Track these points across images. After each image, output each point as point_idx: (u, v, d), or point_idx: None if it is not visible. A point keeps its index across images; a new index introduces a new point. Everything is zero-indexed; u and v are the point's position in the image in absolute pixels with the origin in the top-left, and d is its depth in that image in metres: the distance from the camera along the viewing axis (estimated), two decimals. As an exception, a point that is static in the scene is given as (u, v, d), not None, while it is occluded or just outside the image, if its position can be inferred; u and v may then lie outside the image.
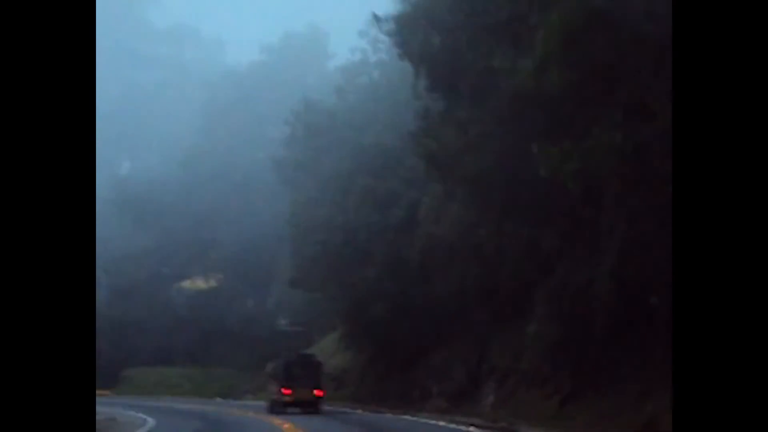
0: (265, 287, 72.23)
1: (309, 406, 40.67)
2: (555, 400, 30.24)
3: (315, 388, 41.50)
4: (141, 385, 70.22)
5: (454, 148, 29.62)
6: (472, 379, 39.04)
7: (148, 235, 74.92)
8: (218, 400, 62.16)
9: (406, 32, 32.50)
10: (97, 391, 61.12)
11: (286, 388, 41.40)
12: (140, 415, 38.94)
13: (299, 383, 41.22)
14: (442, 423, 31.78)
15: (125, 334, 73.88)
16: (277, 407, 41.73)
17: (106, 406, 39.56)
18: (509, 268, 32.71)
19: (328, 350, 56.09)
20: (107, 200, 75.62)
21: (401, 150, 38.67)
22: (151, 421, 35.35)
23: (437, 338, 42.23)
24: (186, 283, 78.43)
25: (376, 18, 36.01)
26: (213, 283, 77.14)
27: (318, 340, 60.58)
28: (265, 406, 44.24)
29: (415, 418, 35.80)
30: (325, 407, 42.04)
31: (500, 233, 31.30)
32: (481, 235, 32.61)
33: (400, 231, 40.43)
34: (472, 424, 29.96)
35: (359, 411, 42.80)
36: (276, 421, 34.36)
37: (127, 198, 73.95)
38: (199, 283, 77.85)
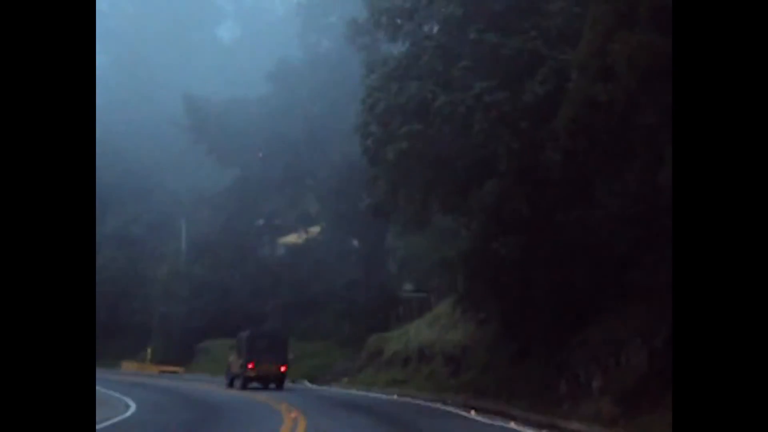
0: (379, 241, 56.46)
1: (272, 382, 40.39)
2: None
3: (280, 364, 40.57)
4: (218, 361, 56.00)
5: None
6: (657, 368, 22.36)
7: (232, 172, 60.49)
8: (306, 383, 47.10)
9: None
10: (168, 368, 46.46)
11: (250, 362, 39.97)
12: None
13: (264, 358, 39.99)
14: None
15: (206, 298, 59.82)
16: (238, 382, 40.65)
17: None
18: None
19: (445, 319, 40.21)
20: (184, 127, 61.62)
21: None
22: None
23: (603, 299, 25.64)
24: (280, 236, 63.74)
25: None
26: (311, 235, 61.93)
27: (435, 305, 44.62)
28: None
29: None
30: (426, 404, 30.18)
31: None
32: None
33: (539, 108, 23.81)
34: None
35: (472, 412, 26.85)
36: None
37: (205, 122, 59.28)
38: (295, 237, 62.88)
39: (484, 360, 34.10)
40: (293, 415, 24.66)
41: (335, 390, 41.76)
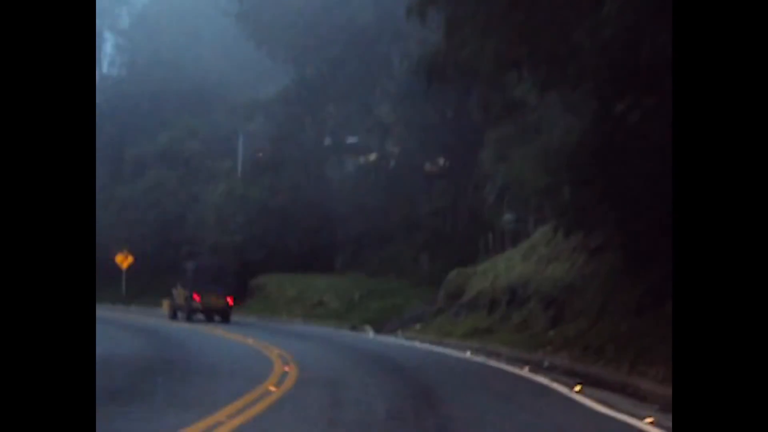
0: (470, 160, 46.10)
1: (218, 314, 40.07)
2: None
3: (226, 296, 40.29)
4: (273, 300, 46.80)
5: None
6: None
7: (286, 72, 50.24)
8: (368, 331, 37.45)
9: None
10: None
11: (197, 293, 39.84)
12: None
13: (209, 289, 39.91)
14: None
15: (264, 226, 50.40)
16: (182, 313, 40.77)
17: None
18: None
19: (544, 249, 29.98)
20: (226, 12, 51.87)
21: None
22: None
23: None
24: (351, 154, 53.56)
25: None
26: (389, 152, 51.58)
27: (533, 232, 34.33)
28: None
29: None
30: (508, 369, 21.01)
31: None
32: None
33: None
34: None
35: (577, 391, 16.56)
36: None
37: (252, 10, 48.89)
38: (369, 155, 52.60)
39: (597, 305, 23.75)
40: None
41: (393, 342, 31.94)
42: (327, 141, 52.37)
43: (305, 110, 48.47)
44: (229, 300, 40.19)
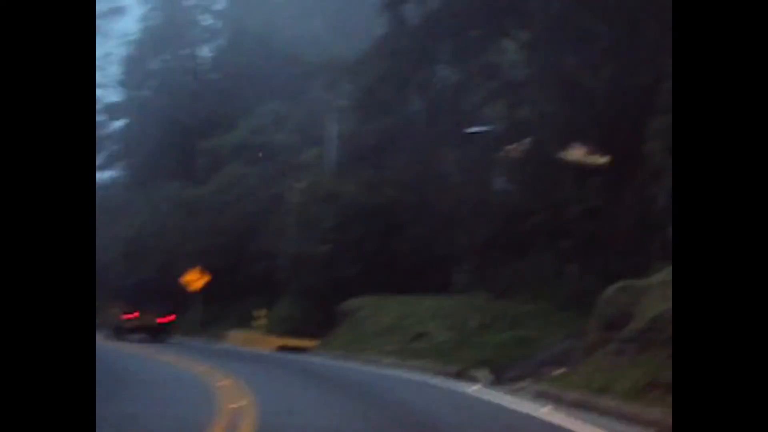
0: (634, 147, 32.96)
1: (152, 333, 38.81)
2: None
3: (162, 315, 38.85)
4: (364, 330, 34.20)
5: None
6: None
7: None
8: (479, 386, 24.49)
9: None
10: (293, 342, 35.41)
11: (131, 312, 38.82)
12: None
13: (146, 308, 38.80)
14: None
15: (361, 232, 38.19)
16: (120, 334, 39.27)
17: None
18: None
19: None
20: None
21: None
22: None
23: None
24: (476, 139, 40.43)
25: None
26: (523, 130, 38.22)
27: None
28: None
29: None
30: None
31: None
32: None
33: None
34: None
35: None
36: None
37: None
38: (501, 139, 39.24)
39: None
40: None
41: (516, 408, 18.62)
42: (441, 121, 39.54)
43: (408, 69, 35.47)
44: (165, 319, 38.95)
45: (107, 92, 69.46)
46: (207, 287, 44.77)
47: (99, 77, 59.59)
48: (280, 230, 41.43)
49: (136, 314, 38.56)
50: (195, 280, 45.53)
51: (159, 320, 38.65)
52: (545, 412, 17.23)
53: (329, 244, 38.31)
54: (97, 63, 54.18)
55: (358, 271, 37.67)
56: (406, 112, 37.74)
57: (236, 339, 40.36)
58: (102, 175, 64.80)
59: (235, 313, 42.17)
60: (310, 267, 38.12)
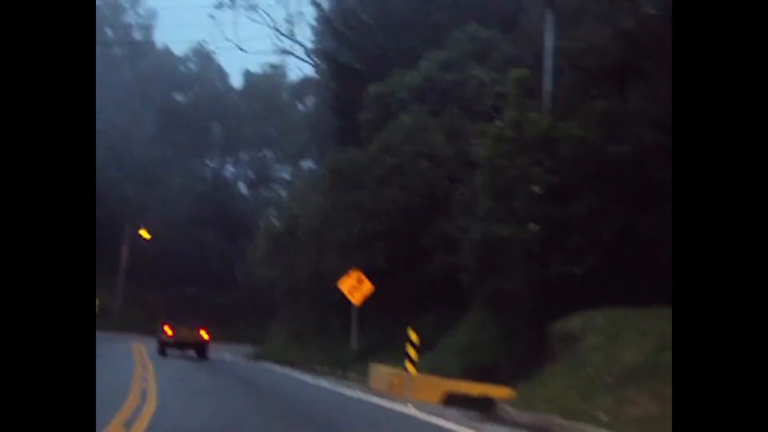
0: None
1: (193, 349, 37.76)
2: None
3: (200, 328, 37.53)
4: (591, 369, 17.87)
5: None
6: None
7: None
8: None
9: None
10: (478, 387, 23.00)
11: (170, 326, 37.24)
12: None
13: (184, 322, 37.38)
14: None
15: (589, 201, 22.24)
16: (164, 348, 37.90)
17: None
18: None
19: None
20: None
21: None
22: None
23: None
24: None
25: None
26: None
27: None
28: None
29: None
30: None
31: None
32: None
33: None
34: None
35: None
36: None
37: None
38: None
39: None
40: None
41: None
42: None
43: None
44: (203, 334, 37.31)
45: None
46: (368, 299, 30.43)
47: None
48: (466, 206, 26.15)
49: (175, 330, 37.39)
50: (355, 287, 31.23)
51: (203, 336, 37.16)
52: None
53: (538, 224, 22.56)
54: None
55: (586, 270, 21.73)
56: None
57: (379, 379, 25.06)
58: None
59: (396, 336, 27.15)
60: (509, 261, 22.70)
